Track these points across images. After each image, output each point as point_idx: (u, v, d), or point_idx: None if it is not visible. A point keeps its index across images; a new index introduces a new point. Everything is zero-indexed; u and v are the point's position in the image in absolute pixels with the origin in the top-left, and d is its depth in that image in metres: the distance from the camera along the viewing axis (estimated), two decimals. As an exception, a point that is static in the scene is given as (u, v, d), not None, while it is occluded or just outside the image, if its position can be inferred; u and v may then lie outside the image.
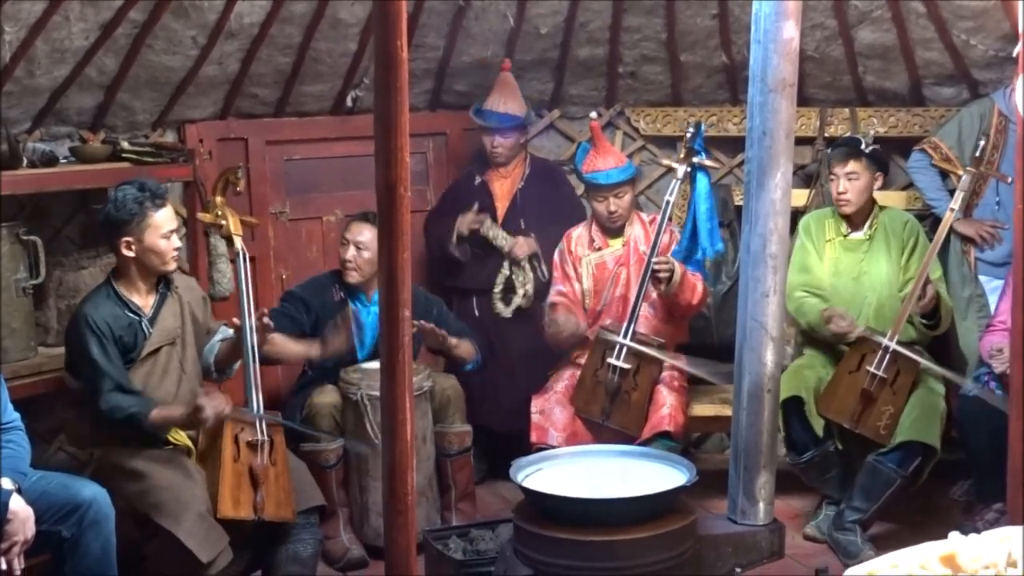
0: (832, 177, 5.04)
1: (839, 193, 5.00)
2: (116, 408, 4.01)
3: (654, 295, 5.06)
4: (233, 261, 4.44)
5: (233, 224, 4.42)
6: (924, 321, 4.87)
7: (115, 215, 4.12)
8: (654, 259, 4.88)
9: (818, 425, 4.81)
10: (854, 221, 5.09)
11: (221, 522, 3.92)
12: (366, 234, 4.94)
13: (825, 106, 5.95)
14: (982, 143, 4.92)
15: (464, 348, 5.18)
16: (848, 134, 5.46)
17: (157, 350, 4.20)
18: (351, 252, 4.98)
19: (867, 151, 4.98)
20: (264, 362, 4.72)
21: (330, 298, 5.07)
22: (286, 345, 4.85)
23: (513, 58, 5.82)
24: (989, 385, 4.69)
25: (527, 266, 5.55)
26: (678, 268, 4.89)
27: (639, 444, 4.79)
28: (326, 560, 4.71)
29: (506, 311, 5.57)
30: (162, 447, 4.12)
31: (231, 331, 4.30)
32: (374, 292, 5.04)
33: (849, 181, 4.98)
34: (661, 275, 4.87)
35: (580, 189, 6.05)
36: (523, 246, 5.56)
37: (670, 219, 5.02)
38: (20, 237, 4.61)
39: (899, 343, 4.74)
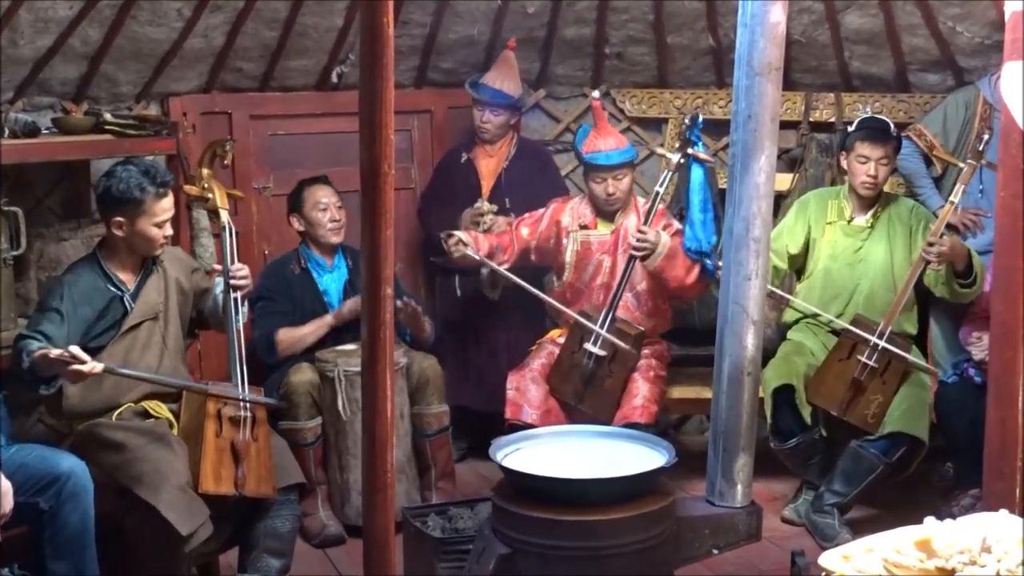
0: (862, 159, 4.93)
1: (870, 176, 4.92)
2: (19, 343, 3.96)
3: (639, 287, 5.05)
4: (218, 235, 4.41)
5: (220, 197, 4.37)
6: (960, 280, 4.78)
7: (115, 194, 4.07)
8: (634, 235, 4.88)
9: (807, 413, 4.81)
10: (860, 206, 5.06)
11: (202, 497, 3.90)
12: (330, 193, 5.14)
13: (810, 90, 5.95)
14: (987, 136, 4.84)
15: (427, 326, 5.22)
16: (867, 113, 5.34)
17: (138, 324, 4.18)
18: (336, 212, 5.10)
19: (895, 134, 4.96)
20: (288, 358, 4.93)
21: (291, 273, 5.15)
22: (295, 333, 5.00)
23: (500, 37, 5.81)
24: (968, 372, 4.71)
25: None
26: (665, 240, 4.85)
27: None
28: (303, 536, 4.71)
29: (494, 294, 5.56)
30: (142, 420, 4.10)
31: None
32: (334, 258, 5.13)
33: (882, 166, 4.93)
34: (640, 250, 4.85)
35: (565, 170, 6.05)
36: (502, 226, 5.55)
37: (664, 205, 5.02)
38: (1, 208, 4.59)
39: (891, 333, 4.75)
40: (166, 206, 4.13)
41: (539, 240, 5.22)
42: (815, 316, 5.03)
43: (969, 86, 5.49)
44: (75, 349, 3.82)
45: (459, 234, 5.08)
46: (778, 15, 3.50)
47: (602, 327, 4.86)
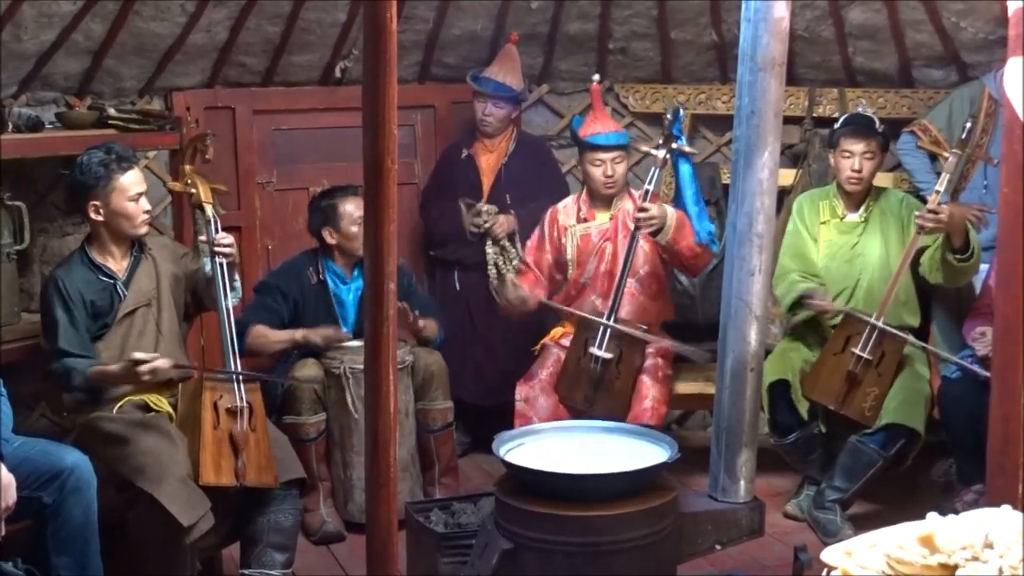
0: (846, 154, 4.92)
1: (854, 171, 4.91)
2: (62, 367, 4.05)
3: (642, 271, 5.03)
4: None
5: (203, 192, 4.37)
6: (958, 256, 4.71)
7: (80, 179, 4.13)
8: (634, 214, 4.81)
9: (803, 408, 4.82)
10: (851, 202, 5.05)
11: (204, 489, 3.91)
12: (361, 204, 4.83)
13: (814, 86, 5.94)
14: (968, 125, 4.88)
15: (429, 328, 5.14)
16: (856, 110, 5.33)
17: (132, 312, 4.20)
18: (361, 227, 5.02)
19: (880, 130, 4.96)
20: (248, 354, 4.78)
21: (307, 281, 5.05)
22: (268, 335, 4.91)
23: (503, 32, 5.81)
24: (972, 368, 4.70)
25: (507, 244, 5.55)
26: (671, 213, 4.78)
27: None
28: (303, 532, 4.70)
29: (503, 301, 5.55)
30: (143, 413, 4.11)
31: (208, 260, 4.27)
32: (354, 270, 5.05)
33: (867, 160, 4.92)
34: (644, 227, 4.76)
35: (568, 165, 6.05)
36: (503, 224, 5.55)
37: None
38: (4, 202, 4.60)
39: (892, 326, 4.74)
40: (134, 179, 4.18)
41: (556, 252, 5.17)
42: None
43: (974, 81, 5.48)
44: (137, 355, 3.98)
45: (511, 277, 5.08)
46: (782, 10, 3.50)
47: (608, 320, 4.81)
